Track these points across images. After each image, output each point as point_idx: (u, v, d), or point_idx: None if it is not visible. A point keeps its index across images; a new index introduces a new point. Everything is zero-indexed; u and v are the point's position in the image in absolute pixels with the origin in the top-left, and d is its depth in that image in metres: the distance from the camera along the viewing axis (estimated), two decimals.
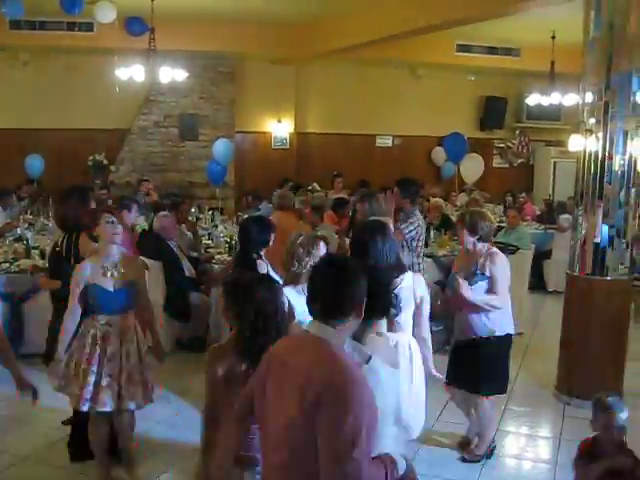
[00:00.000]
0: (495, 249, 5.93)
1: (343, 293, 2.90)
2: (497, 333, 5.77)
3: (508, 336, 5.90)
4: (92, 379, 5.01)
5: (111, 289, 5.09)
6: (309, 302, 3.00)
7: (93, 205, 6.11)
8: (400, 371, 4.15)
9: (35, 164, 14.56)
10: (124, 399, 5.09)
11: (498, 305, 5.73)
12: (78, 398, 5.04)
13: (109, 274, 5.09)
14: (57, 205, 6.13)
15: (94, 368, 5.03)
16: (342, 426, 2.64)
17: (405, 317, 4.73)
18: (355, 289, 2.93)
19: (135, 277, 5.26)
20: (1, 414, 6.65)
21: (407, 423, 4.28)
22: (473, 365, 5.75)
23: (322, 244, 5.07)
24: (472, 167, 15.35)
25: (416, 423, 4.60)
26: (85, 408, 5.07)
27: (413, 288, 4.82)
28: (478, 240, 5.79)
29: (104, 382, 5.02)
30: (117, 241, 5.17)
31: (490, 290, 5.72)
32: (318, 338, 2.88)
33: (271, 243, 6.04)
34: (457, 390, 6.02)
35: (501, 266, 5.78)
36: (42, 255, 8.78)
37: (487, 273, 5.69)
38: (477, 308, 5.69)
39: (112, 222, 5.14)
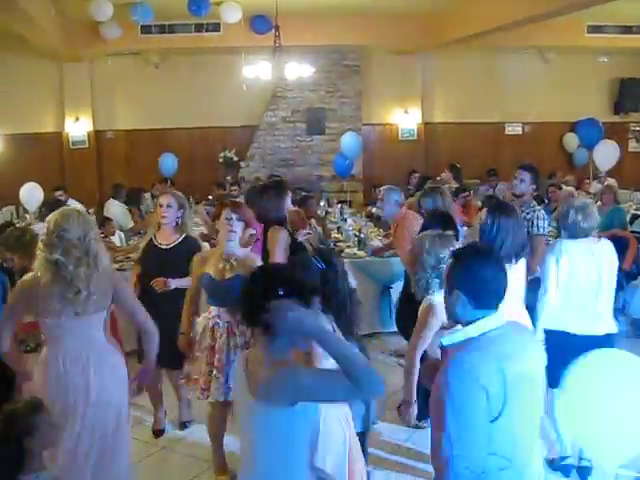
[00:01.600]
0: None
1: None
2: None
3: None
4: (206, 369, 5.11)
5: (219, 279, 5.15)
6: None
7: (289, 200, 6.30)
8: None
9: (169, 163, 14.97)
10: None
11: None
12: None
13: (221, 266, 5.15)
14: (254, 199, 6.31)
15: (206, 359, 5.13)
16: None
17: None
18: None
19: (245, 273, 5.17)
20: (138, 404, 6.84)
21: None
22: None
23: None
24: (606, 154, 14.77)
25: None
26: (203, 397, 5.18)
27: None
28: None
29: (214, 373, 5.08)
30: (232, 238, 5.18)
31: None
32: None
33: None
34: None
35: None
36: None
37: None
38: None
39: (230, 219, 5.16)
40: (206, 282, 5.23)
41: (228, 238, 5.18)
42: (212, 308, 5.26)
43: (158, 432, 6.24)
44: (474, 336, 3.05)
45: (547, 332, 5.32)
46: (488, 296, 3.10)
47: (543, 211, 7.11)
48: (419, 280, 4.65)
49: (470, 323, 3.08)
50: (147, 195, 13.51)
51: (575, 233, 5.40)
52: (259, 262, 5.25)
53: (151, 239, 5.99)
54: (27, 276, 4.18)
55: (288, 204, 6.23)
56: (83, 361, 4.14)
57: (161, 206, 5.89)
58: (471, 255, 3.21)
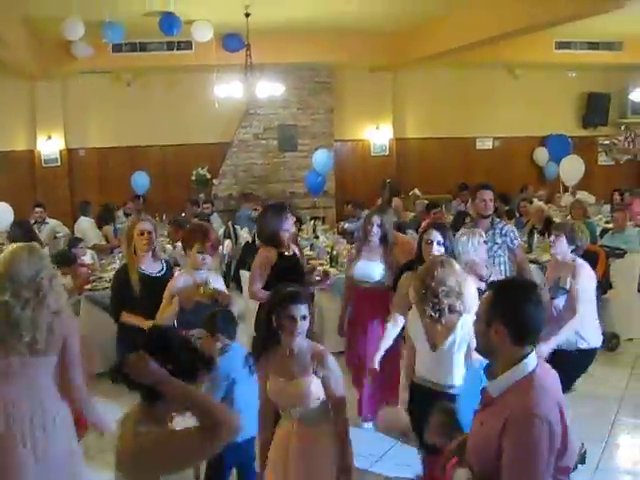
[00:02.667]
0: (581, 261, 5.83)
1: None
2: (582, 346, 5.73)
3: (593, 350, 5.85)
4: None
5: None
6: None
7: (290, 222, 6.34)
8: None
9: (141, 180, 14.96)
10: None
11: (577, 326, 5.67)
12: None
13: (201, 291, 5.39)
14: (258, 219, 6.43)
15: None
16: None
17: None
18: None
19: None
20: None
21: None
22: None
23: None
24: (572, 168, 14.98)
25: None
26: None
27: None
28: (572, 252, 5.76)
29: None
30: (203, 269, 5.53)
31: (569, 306, 5.69)
32: None
33: None
34: None
35: (585, 279, 5.75)
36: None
37: (567, 286, 5.64)
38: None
39: (202, 252, 5.48)
40: (196, 307, 5.35)
41: (199, 269, 5.52)
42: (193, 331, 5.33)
43: None
44: (522, 376, 3.00)
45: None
46: (531, 332, 3.06)
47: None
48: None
49: (507, 359, 3.04)
50: (119, 213, 13.54)
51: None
52: (221, 282, 5.68)
53: (137, 269, 5.92)
54: None
55: (287, 226, 6.25)
56: (24, 410, 3.85)
57: (142, 233, 5.90)
58: (517, 289, 3.17)
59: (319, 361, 3.98)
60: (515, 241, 7.26)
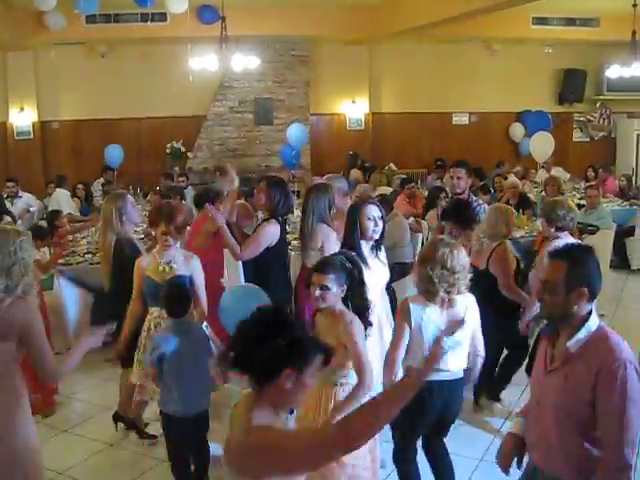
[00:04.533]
0: (569, 238, 5.80)
1: None
2: None
3: None
4: None
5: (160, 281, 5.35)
6: None
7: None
8: None
9: (115, 153, 14.84)
10: None
11: None
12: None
13: (160, 269, 5.42)
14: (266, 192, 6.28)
15: None
16: None
17: None
18: None
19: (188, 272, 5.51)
20: (86, 401, 6.88)
21: None
22: None
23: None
24: (542, 144, 15.03)
25: None
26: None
27: None
28: (557, 230, 5.78)
29: None
30: (168, 250, 5.52)
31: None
32: None
33: None
34: None
35: None
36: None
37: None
38: None
39: (166, 234, 5.49)
40: (148, 285, 5.43)
41: (165, 250, 5.52)
42: (154, 309, 5.47)
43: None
44: (595, 329, 3.24)
45: None
46: (600, 287, 3.30)
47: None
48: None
49: (580, 317, 3.25)
50: (96, 186, 13.49)
51: None
52: (197, 260, 5.63)
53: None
54: None
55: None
56: None
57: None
58: (587, 253, 3.37)
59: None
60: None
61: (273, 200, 6.22)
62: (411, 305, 4.37)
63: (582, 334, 3.22)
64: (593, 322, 3.24)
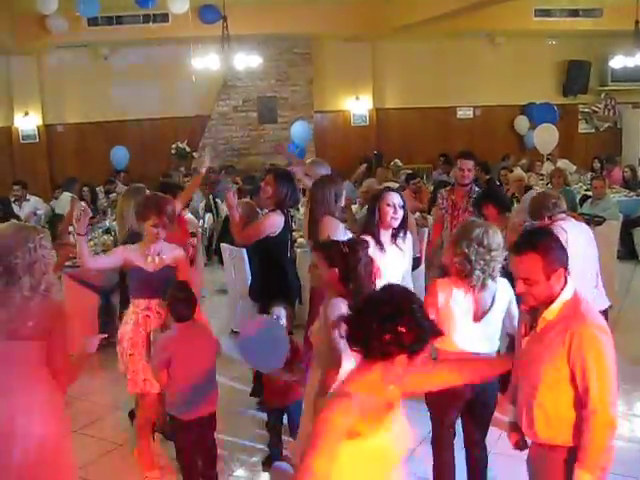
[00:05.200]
0: (560, 226, 5.76)
1: None
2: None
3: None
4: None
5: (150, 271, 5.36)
6: None
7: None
8: None
9: (120, 155, 14.87)
10: None
11: None
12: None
13: (149, 260, 5.37)
14: (273, 185, 6.29)
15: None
16: None
17: None
18: None
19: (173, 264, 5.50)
20: (96, 401, 6.88)
21: None
22: None
23: None
24: (546, 137, 14.98)
25: None
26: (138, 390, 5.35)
27: None
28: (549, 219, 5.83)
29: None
30: (158, 242, 5.43)
31: None
32: None
33: None
34: None
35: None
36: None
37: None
38: None
39: (157, 226, 5.39)
40: (138, 275, 5.37)
41: (154, 242, 5.42)
42: (140, 301, 5.39)
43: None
44: (569, 297, 3.42)
45: None
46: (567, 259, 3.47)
47: None
48: None
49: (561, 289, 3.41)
50: (100, 189, 13.50)
51: None
52: (182, 251, 5.64)
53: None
54: None
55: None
56: None
57: None
58: (549, 235, 3.55)
59: None
60: None
61: (280, 192, 6.25)
62: (439, 287, 4.37)
63: (557, 303, 3.39)
64: (568, 291, 3.41)
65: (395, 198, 5.29)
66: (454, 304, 4.30)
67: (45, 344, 3.70)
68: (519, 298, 4.14)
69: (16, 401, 3.64)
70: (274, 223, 6.19)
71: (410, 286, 5.29)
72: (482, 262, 4.23)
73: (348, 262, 4.08)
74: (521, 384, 3.57)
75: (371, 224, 5.32)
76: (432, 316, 4.23)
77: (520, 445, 3.73)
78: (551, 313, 3.39)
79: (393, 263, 5.26)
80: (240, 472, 5.49)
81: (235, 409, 6.45)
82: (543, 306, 3.42)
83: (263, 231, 6.17)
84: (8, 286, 3.65)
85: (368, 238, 4.95)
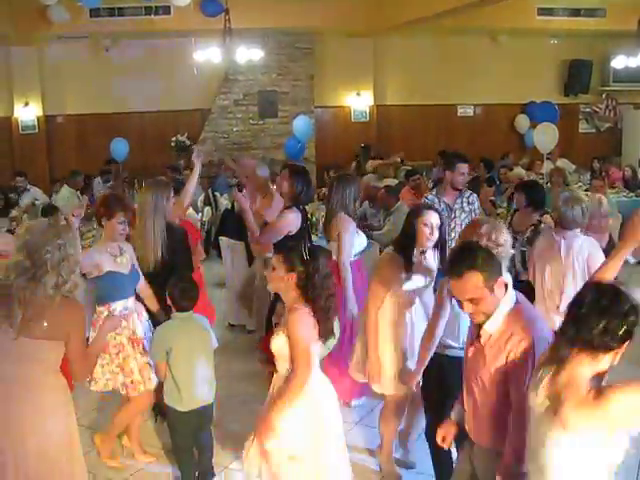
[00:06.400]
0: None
1: None
2: None
3: None
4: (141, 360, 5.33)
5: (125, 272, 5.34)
6: None
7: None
8: None
9: (120, 147, 14.83)
10: None
11: None
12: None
13: (118, 260, 5.32)
14: (288, 181, 6.29)
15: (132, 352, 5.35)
16: None
17: None
18: None
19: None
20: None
21: None
22: None
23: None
24: (546, 136, 14.95)
25: None
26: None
27: None
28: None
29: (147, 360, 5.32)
30: (123, 238, 5.43)
31: None
32: None
33: None
34: None
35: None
36: (127, 239, 8.96)
37: None
38: None
39: (123, 222, 5.37)
40: (114, 279, 5.28)
41: (120, 239, 5.39)
42: (116, 304, 5.31)
43: None
44: (511, 307, 3.42)
45: None
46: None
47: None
48: None
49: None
50: (97, 180, 13.46)
51: None
52: (132, 247, 5.57)
53: None
54: None
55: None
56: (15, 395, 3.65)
57: None
58: (476, 246, 3.60)
59: None
60: (477, 210, 7.28)
61: (295, 188, 6.23)
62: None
63: (498, 315, 3.36)
64: (509, 300, 3.40)
65: (433, 218, 4.93)
66: None
67: (61, 344, 3.68)
68: None
69: (30, 398, 3.64)
70: (291, 222, 6.20)
71: (425, 301, 5.15)
72: None
73: (307, 269, 3.99)
74: (469, 393, 3.60)
75: (404, 241, 4.99)
76: (445, 309, 4.43)
77: (444, 442, 3.88)
78: (493, 326, 3.38)
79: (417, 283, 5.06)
80: (235, 465, 5.46)
81: (232, 402, 6.44)
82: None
83: (282, 231, 6.17)
84: (31, 282, 3.58)
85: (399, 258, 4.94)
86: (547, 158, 14.49)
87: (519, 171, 12.79)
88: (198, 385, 4.87)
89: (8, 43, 14.59)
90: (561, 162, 14.99)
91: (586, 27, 15.75)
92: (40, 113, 15.54)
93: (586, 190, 12.13)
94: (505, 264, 4.27)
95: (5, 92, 15.19)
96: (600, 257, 5.11)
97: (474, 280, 3.28)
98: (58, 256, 3.62)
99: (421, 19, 13.79)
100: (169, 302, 4.99)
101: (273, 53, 15.54)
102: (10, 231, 9.32)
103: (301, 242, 4.54)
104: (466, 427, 3.67)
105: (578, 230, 5.61)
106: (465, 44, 16.90)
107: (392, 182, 11.77)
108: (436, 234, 4.93)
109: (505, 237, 4.24)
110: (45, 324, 3.59)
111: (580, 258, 5.40)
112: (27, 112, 15.39)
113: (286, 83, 16.50)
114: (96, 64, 15.45)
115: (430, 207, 5.24)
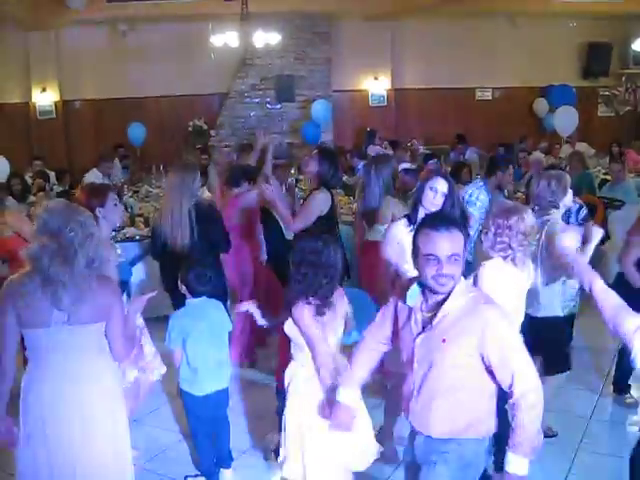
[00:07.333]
0: None
1: None
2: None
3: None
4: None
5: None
6: None
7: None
8: None
9: (137, 132, 14.87)
10: None
11: None
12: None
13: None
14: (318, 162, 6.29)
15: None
16: None
17: None
18: None
19: None
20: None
21: None
22: None
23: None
24: (566, 119, 14.83)
25: None
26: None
27: None
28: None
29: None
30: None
31: None
32: None
33: None
34: None
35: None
36: (146, 223, 9.00)
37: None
38: None
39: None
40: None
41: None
42: None
43: None
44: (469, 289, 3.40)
45: None
46: None
47: None
48: None
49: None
50: (116, 162, 13.46)
51: None
52: None
53: None
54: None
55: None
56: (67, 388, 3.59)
57: None
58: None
59: None
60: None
61: (324, 170, 6.22)
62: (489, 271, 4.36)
63: (458, 295, 3.24)
64: (463, 285, 3.30)
65: (439, 184, 5.00)
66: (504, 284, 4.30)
67: (104, 324, 3.65)
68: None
69: (84, 388, 3.61)
70: (321, 202, 6.16)
71: None
72: (522, 247, 4.33)
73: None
74: (419, 383, 3.38)
75: (413, 207, 5.17)
76: None
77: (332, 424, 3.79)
78: (452, 305, 3.24)
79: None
80: (238, 463, 5.34)
81: (247, 386, 6.47)
82: (432, 297, 3.32)
83: (313, 213, 6.13)
84: (64, 266, 3.48)
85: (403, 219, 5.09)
86: (567, 142, 14.40)
87: (538, 155, 12.68)
88: (213, 370, 4.87)
89: (25, 29, 14.63)
90: (580, 146, 14.86)
91: (605, 9, 15.59)
92: (57, 98, 15.58)
93: (605, 174, 12.05)
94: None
95: (23, 78, 15.23)
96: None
97: (459, 238, 3.22)
98: (82, 234, 3.56)
99: (439, 2, 13.72)
100: (182, 289, 4.93)
101: (290, 37, 15.49)
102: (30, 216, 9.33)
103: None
104: (414, 423, 3.48)
105: None
106: (483, 27, 16.80)
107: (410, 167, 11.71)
108: (440, 200, 4.98)
109: (532, 222, 4.36)
110: (87, 307, 3.54)
111: None
112: (45, 98, 15.44)
113: (303, 67, 16.45)
114: (113, 49, 15.48)
115: (441, 174, 5.30)
